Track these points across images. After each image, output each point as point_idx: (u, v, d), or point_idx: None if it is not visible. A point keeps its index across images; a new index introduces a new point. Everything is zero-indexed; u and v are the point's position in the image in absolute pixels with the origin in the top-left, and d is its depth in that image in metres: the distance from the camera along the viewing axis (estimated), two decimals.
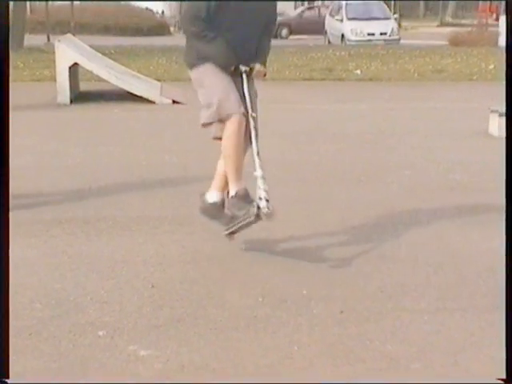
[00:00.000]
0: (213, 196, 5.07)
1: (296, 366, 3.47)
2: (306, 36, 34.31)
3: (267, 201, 4.57)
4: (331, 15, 30.99)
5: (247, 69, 4.90)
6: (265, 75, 5.07)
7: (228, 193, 4.93)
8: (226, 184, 4.99)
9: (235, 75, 4.86)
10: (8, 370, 3.13)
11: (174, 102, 12.01)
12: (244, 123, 4.75)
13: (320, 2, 43.20)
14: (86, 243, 5.22)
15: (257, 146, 4.74)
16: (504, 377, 3.12)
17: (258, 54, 4.98)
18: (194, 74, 4.92)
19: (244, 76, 4.88)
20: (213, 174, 5.07)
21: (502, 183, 3.45)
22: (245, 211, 4.72)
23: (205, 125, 4.90)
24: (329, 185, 6.85)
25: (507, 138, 3.57)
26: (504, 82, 3.54)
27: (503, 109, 3.79)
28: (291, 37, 36.26)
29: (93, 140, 9.12)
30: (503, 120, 7.99)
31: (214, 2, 4.67)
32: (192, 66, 4.92)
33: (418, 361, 3.50)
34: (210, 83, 4.83)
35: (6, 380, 3.09)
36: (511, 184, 3.42)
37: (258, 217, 4.63)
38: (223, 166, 4.94)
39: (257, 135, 4.77)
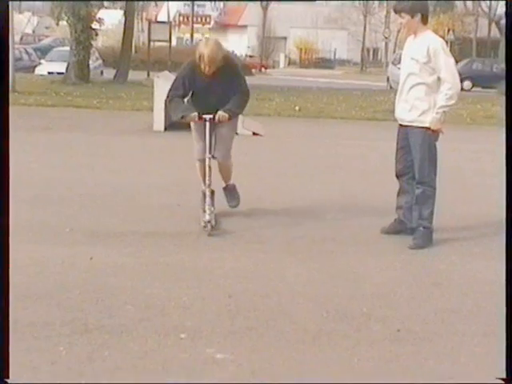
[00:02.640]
0: None
1: (356, 378, 3.34)
2: None
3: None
4: (394, 64, 30.72)
5: (210, 117, 5.89)
6: (229, 119, 5.95)
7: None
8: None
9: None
10: (8, 370, 3.02)
11: (254, 133, 11.98)
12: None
13: None
14: (173, 254, 5.18)
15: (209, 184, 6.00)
16: (503, 375, 2.98)
17: (223, 107, 5.88)
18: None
19: (207, 123, 5.91)
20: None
21: None
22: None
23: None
24: (384, 211, 6.65)
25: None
26: None
27: None
28: None
29: (182, 163, 9.11)
30: None
31: (186, 85, 5.95)
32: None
33: (470, 380, 3.34)
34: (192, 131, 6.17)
35: (6, 380, 2.97)
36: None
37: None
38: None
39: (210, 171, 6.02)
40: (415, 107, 5.56)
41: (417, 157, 5.63)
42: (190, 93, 6.04)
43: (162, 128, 12.02)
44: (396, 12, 5.68)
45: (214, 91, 5.93)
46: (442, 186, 5.87)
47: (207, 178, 6.05)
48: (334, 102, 18.40)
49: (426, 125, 5.53)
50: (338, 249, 5.47)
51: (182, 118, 5.97)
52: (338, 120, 15.03)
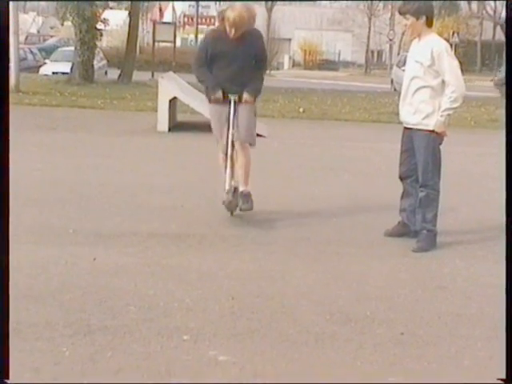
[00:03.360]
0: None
1: (359, 381, 3.33)
2: None
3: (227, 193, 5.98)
4: (398, 66, 30.65)
5: (236, 97, 5.99)
6: (254, 101, 6.12)
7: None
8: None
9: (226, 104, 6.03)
10: (8, 370, 3.00)
11: (257, 135, 11.94)
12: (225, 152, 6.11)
13: None
14: (176, 256, 5.17)
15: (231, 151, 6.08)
16: (504, 377, 2.96)
17: (247, 86, 6.00)
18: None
19: (232, 103, 5.98)
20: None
21: None
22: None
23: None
24: (389, 213, 6.64)
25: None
26: None
27: None
28: None
29: (186, 164, 9.14)
30: None
31: (208, 54, 6.03)
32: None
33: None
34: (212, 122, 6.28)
35: (6, 380, 2.95)
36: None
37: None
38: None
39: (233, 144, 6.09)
40: (419, 110, 5.55)
41: (420, 159, 5.62)
42: (214, 59, 6.04)
43: (166, 129, 12.02)
44: (401, 14, 5.67)
45: (238, 57, 5.98)
46: (445, 188, 5.86)
47: (229, 148, 6.07)
48: (338, 103, 18.37)
49: (430, 128, 5.52)
50: (342, 251, 5.46)
51: (207, 95, 6.16)
52: (342, 122, 15.00)
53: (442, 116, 5.49)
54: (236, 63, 6.02)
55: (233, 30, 5.85)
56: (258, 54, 6.14)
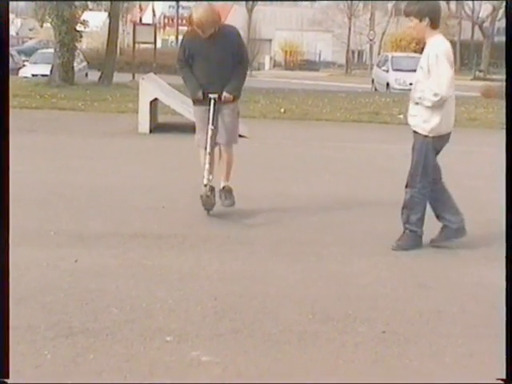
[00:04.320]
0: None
1: (341, 379, 3.34)
2: None
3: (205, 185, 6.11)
4: (378, 66, 30.78)
5: (215, 96, 6.11)
6: (233, 100, 6.24)
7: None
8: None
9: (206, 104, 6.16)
10: (8, 370, 3.00)
11: (238, 135, 11.94)
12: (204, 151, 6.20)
13: None
14: (158, 256, 5.16)
15: (210, 148, 6.18)
16: (504, 377, 2.99)
17: (226, 85, 6.13)
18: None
19: (212, 102, 6.12)
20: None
21: None
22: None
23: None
24: (369, 212, 6.67)
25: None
26: None
27: None
28: None
29: (167, 165, 9.12)
30: None
31: (186, 55, 6.19)
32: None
33: (453, 381, 3.35)
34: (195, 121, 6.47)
35: (6, 380, 2.95)
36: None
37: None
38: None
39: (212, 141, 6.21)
40: (420, 114, 5.52)
41: (413, 160, 5.63)
42: (192, 59, 6.20)
43: (147, 130, 11.99)
44: (405, 15, 5.59)
45: (214, 56, 6.08)
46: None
47: (208, 145, 6.17)
48: (319, 103, 18.41)
49: (426, 133, 5.50)
50: (323, 250, 5.47)
51: (192, 97, 6.34)
52: (323, 122, 15.04)
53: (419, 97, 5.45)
54: (212, 63, 6.10)
55: (200, 31, 5.94)
56: (235, 52, 6.17)
